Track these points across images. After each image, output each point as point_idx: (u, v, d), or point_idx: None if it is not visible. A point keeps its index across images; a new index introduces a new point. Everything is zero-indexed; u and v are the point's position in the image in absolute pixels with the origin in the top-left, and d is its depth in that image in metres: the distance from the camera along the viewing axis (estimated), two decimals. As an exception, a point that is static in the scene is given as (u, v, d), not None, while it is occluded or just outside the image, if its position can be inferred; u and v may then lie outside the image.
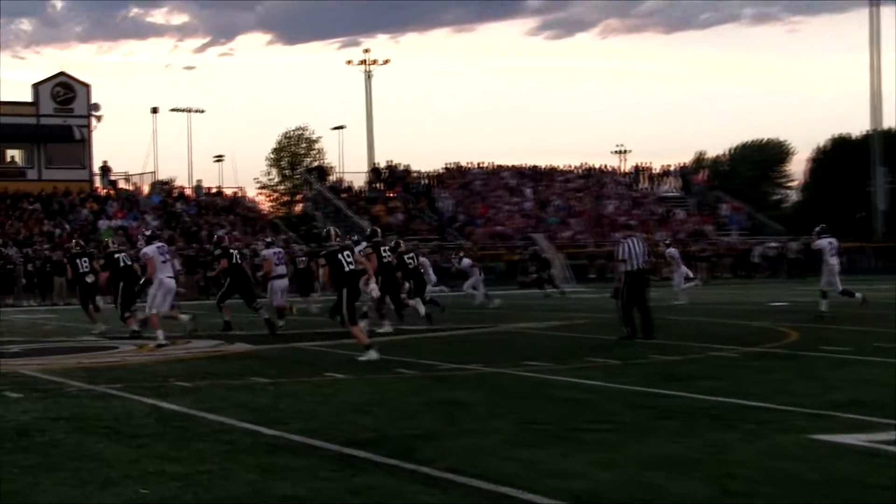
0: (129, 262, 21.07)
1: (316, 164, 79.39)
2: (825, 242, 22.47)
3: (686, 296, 29.30)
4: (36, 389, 12.12)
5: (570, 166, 66.19)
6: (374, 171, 61.77)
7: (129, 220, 49.26)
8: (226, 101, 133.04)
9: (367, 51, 71.27)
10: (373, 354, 14.53)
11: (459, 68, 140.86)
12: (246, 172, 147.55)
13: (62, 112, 52.34)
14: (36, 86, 52.60)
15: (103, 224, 47.98)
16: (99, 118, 53.44)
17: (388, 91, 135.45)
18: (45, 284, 38.51)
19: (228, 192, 57.43)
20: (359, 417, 9.60)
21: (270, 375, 13.14)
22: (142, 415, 10.01)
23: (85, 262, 22.00)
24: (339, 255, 15.06)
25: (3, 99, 53.11)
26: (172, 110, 71.82)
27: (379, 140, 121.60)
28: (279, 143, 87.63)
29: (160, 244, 18.73)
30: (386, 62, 70.62)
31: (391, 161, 62.24)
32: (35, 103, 52.19)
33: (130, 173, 57.16)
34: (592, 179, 64.69)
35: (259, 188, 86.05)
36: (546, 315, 24.90)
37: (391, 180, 60.64)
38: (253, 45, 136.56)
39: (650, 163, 67.74)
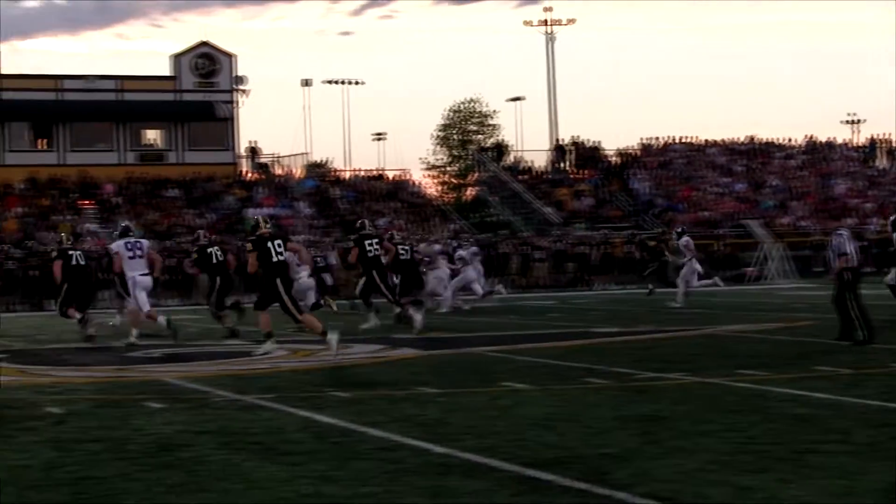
0: (83, 262, 22.15)
1: (490, 141, 79.76)
2: None
3: (684, 299, 28.63)
4: (179, 399, 12.51)
5: (790, 140, 64.92)
6: (558, 149, 61.70)
7: (279, 208, 50.30)
8: (386, 70, 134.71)
9: (548, 9, 70.89)
10: (269, 346, 16.79)
11: (657, 28, 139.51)
12: (410, 152, 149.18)
13: (204, 87, 53.75)
14: (176, 57, 54.13)
15: (251, 212, 49.12)
16: (245, 93, 54.81)
17: (573, 56, 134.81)
18: (188, 282, 39.55)
19: (390, 174, 58.17)
20: (542, 434, 9.62)
21: (440, 385, 13.25)
22: (295, 429, 10.22)
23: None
24: (269, 244, 16.75)
25: (140, 73, 54.91)
26: (326, 82, 72.92)
27: (563, 113, 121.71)
28: (447, 118, 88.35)
29: (131, 240, 20.48)
30: (571, 22, 70.48)
31: (577, 137, 62.07)
32: (175, 77, 53.72)
33: (280, 155, 58.34)
34: (818, 155, 63.29)
35: (425, 170, 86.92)
36: (763, 315, 24.49)
37: (578, 160, 60.48)
38: (417, 5, 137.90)
39: (889, 134, 65.60)
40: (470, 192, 75.10)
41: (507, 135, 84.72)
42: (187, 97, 53.54)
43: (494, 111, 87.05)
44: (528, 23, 70.76)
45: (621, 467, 8.06)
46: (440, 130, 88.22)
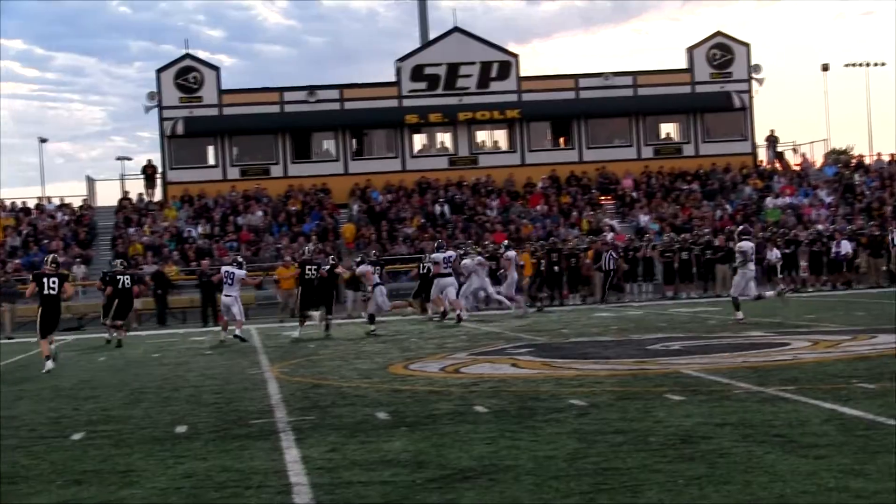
0: (129, 285, 27.54)
1: None
2: (749, 245, 24.28)
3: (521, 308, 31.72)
4: (699, 391, 12.58)
5: None
6: None
7: (798, 198, 49.41)
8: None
9: None
10: (49, 364, 19.54)
11: None
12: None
13: (719, 77, 53.56)
14: (690, 49, 54.25)
15: (770, 203, 48.55)
16: (760, 82, 54.14)
17: None
18: (707, 273, 39.72)
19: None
20: None
21: (974, 378, 12.66)
22: (818, 421, 10.04)
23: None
24: (44, 279, 20.07)
25: (654, 67, 55.44)
26: (847, 66, 70.92)
27: None
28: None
29: (229, 269, 26.97)
30: None
31: None
32: (689, 69, 53.86)
33: (798, 143, 57.26)
34: None
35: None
36: None
37: None
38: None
39: None
40: None
41: None
42: (702, 88, 53.57)
43: None
44: None
45: None
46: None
